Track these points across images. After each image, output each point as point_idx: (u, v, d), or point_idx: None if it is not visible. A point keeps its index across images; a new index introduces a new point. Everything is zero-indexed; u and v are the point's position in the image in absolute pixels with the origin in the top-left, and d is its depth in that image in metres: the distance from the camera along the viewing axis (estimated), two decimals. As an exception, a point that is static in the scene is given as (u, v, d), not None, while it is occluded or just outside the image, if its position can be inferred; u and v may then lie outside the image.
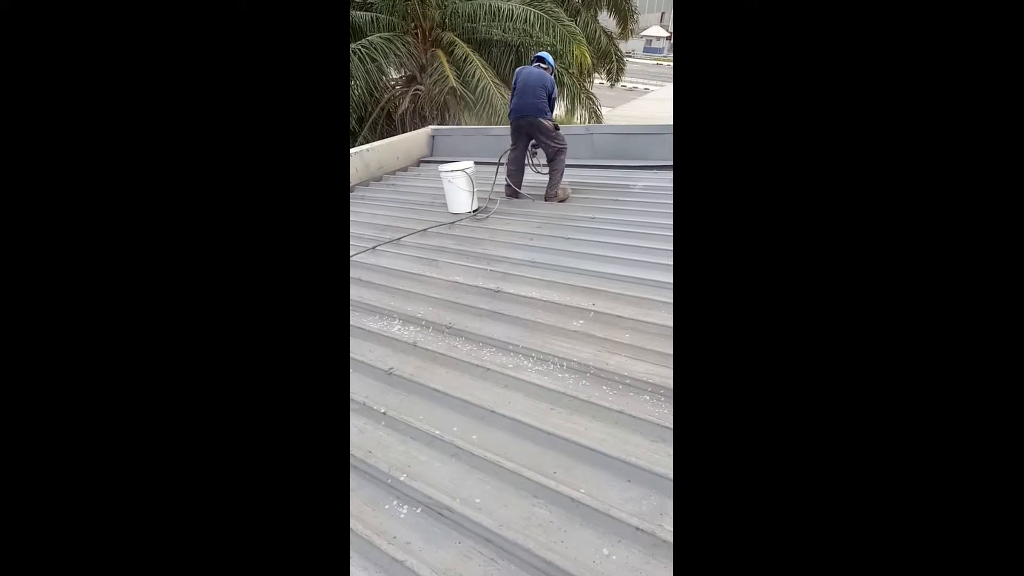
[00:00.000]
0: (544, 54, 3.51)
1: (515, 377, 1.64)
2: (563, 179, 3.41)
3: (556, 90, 3.43)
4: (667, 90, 17.50)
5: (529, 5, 7.41)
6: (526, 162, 3.53)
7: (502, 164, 3.58)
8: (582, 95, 8.49)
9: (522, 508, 1.20)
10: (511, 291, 2.20)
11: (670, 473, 1.24)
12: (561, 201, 3.34)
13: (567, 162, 3.45)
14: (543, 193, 3.43)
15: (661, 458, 1.30)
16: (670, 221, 2.77)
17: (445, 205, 3.43)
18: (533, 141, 3.43)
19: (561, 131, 3.43)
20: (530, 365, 1.72)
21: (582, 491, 1.22)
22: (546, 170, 3.48)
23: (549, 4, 7.72)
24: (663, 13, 36.70)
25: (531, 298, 2.14)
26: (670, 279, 2.12)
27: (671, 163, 3.69)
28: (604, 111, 10.71)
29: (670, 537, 1.08)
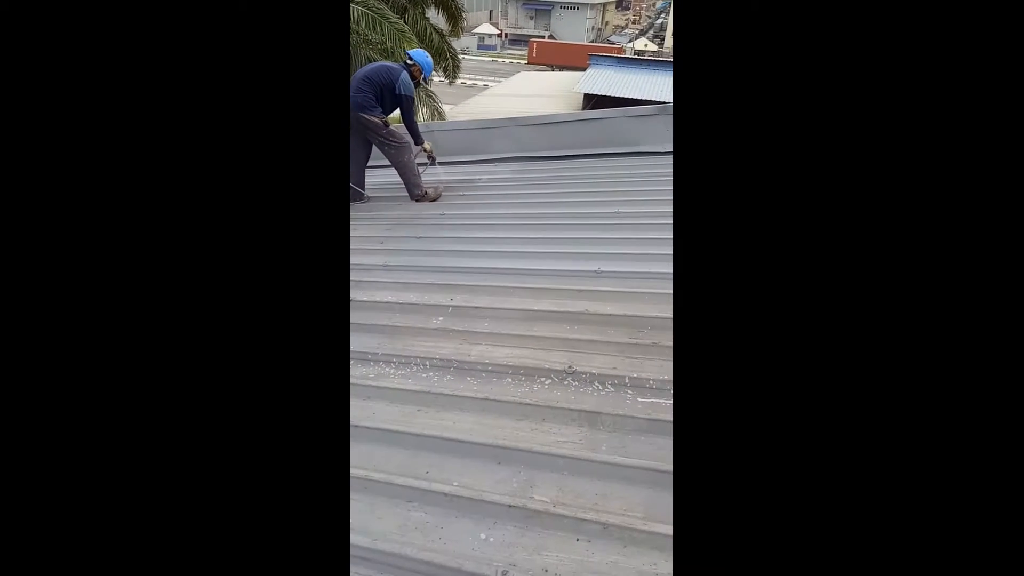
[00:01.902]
0: (414, 51, 3.36)
1: (377, 386, 1.59)
2: (429, 178, 3.35)
3: (407, 88, 3.21)
4: (504, 86, 18.20)
5: (351, 2, 7.14)
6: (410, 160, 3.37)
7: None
8: (421, 93, 8.45)
9: (396, 516, 1.17)
10: (365, 298, 2.12)
11: (536, 447, 1.30)
12: (433, 200, 3.27)
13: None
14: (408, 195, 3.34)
15: (527, 434, 1.36)
16: (517, 211, 2.89)
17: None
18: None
19: (396, 129, 3.36)
20: (392, 371, 1.67)
21: (455, 484, 1.22)
22: (425, 168, 3.38)
23: (373, 1, 7.51)
24: (491, 11, 37.94)
25: (388, 302, 2.08)
26: (524, 265, 2.21)
27: (514, 155, 3.85)
28: (447, 108, 10.79)
29: (540, 507, 1.14)
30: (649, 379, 1.47)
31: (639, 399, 1.43)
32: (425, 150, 3.40)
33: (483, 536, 1.11)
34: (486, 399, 1.48)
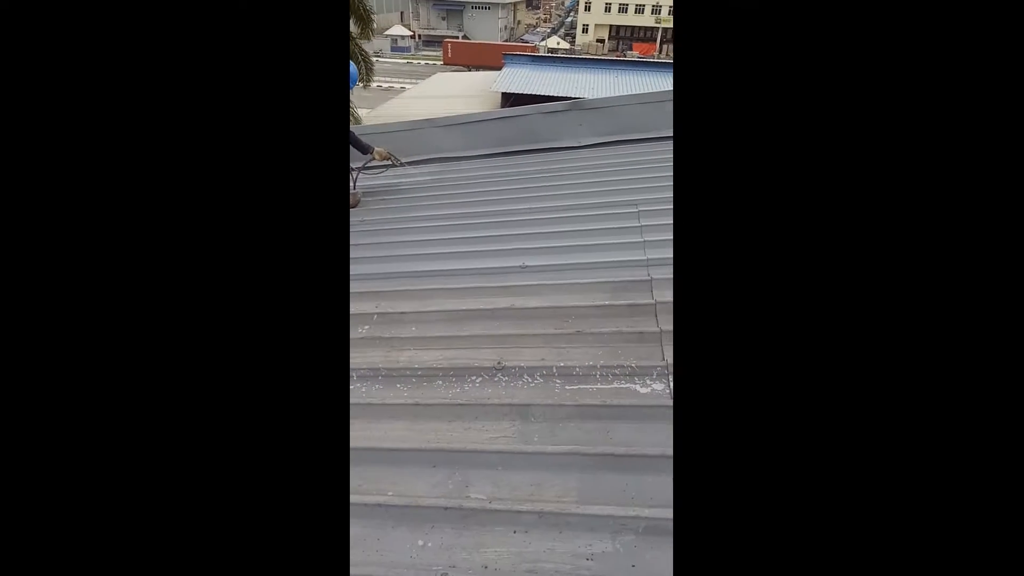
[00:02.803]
0: None
1: (302, 403, 1.52)
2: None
3: None
4: (421, 87, 17.96)
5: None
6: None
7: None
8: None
9: (330, 535, 1.13)
10: (284, 314, 2.02)
11: (470, 446, 1.30)
12: (351, 207, 3.15)
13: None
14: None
15: (459, 435, 1.35)
16: (438, 212, 2.87)
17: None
18: None
19: None
20: (317, 386, 1.61)
21: (390, 493, 1.20)
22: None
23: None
24: (402, 12, 37.28)
25: (309, 316, 2.00)
26: (448, 266, 2.20)
27: (432, 156, 3.81)
28: (363, 112, 10.49)
29: (477, 504, 1.14)
30: (575, 367, 1.52)
31: (567, 387, 1.47)
32: (378, 156, 3.27)
33: (420, 543, 1.09)
34: (416, 404, 1.46)
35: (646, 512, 1.08)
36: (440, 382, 1.56)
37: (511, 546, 1.07)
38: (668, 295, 1.77)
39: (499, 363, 1.57)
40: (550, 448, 1.27)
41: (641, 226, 2.26)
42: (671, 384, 1.41)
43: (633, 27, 30.83)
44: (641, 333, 1.63)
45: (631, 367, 1.49)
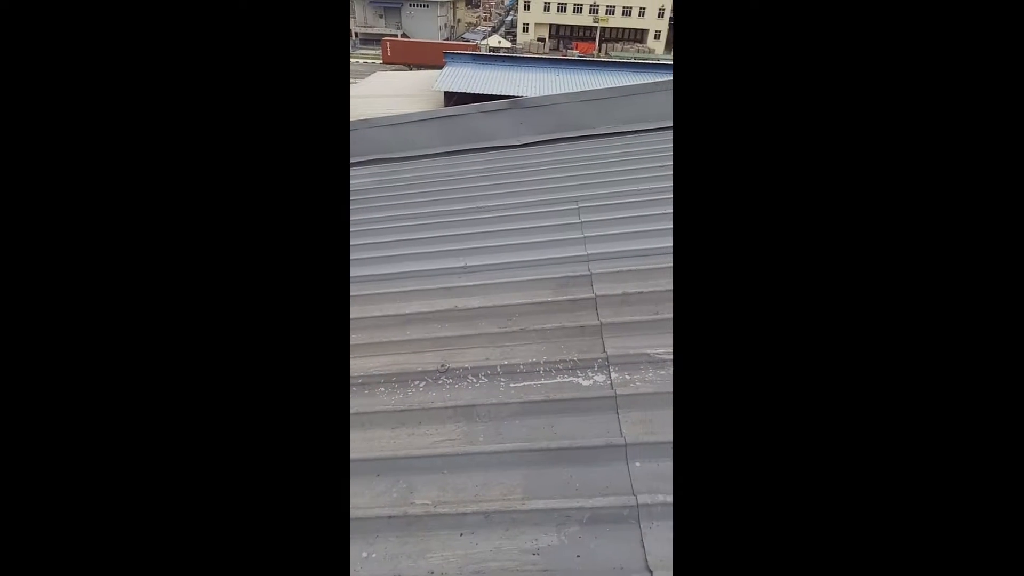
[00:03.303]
0: None
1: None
2: None
3: None
4: (362, 87, 17.51)
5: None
6: None
7: None
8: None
9: (268, 556, 1.09)
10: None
11: (414, 452, 1.28)
12: None
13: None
14: None
15: (404, 441, 1.33)
16: (380, 215, 2.81)
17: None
18: None
19: None
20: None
21: (332, 507, 1.16)
22: None
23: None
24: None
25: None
26: (391, 270, 2.16)
27: (371, 158, 3.72)
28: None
29: (422, 511, 1.12)
30: (519, 364, 1.52)
31: (511, 385, 1.47)
32: None
33: (364, 554, 1.07)
34: (359, 413, 1.42)
35: (590, 502, 1.10)
36: (383, 389, 1.53)
37: (457, 549, 1.06)
38: (607, 288, 1.81)
39: (443, 366, 1.56)
40: (495, 447, 1.27)
41: (581, 222, 2.30)
42: (612, 375, 1.45)
43: (573, 26, 31.33)
44: (583, 327, 1.66)
45: (573, 361, 1.52)
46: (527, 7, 30.57)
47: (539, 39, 30.99)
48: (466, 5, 41.06)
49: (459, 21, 38.81)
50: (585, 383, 1.44)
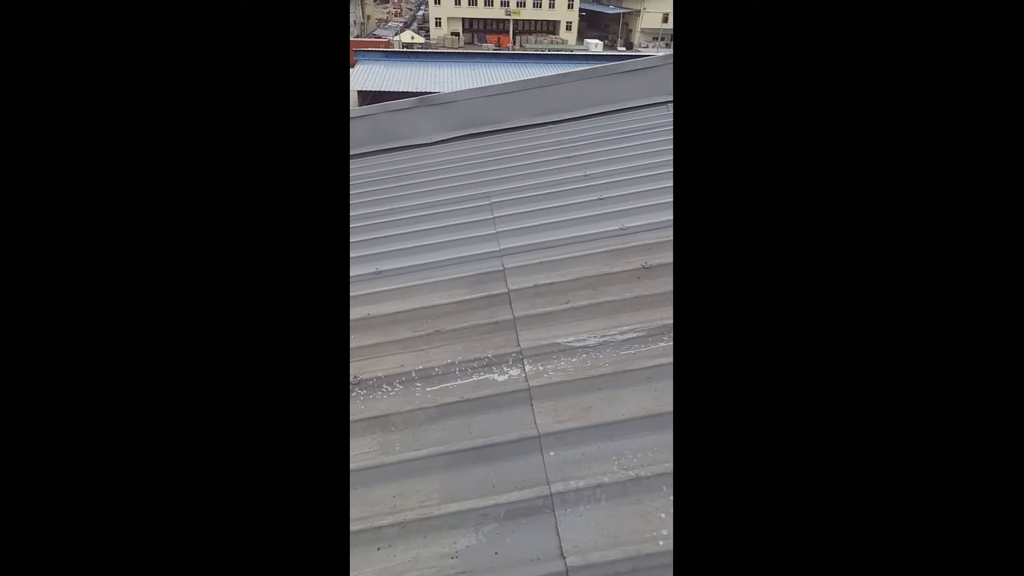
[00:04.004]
0: None
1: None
2: None
3: None
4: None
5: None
6: None
7: None
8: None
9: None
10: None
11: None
12: None
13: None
14: None
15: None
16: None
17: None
18: None
19: None
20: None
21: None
22: None
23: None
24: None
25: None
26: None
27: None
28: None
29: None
30: (435, 367, 1.51)
31: (428, 389, 1.46)
32: None
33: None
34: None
35: (506, 497, 1.11)
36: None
37: (375, 564, 1.04)
38: (520, 282, 1.83)
39: (355, 378, 1.51)
40: (412, 455, 1.25)
41: (494, 217, 2.30)
42: (525, 368, 1.46)
43: (486, 20, 31.30)
44: (497, 323, 1.66)
45: (488, 357, 1.52)
46: (437, 1, 30.16)
47: (453, 33, 30.71)
48: (375, 1, 39.89)
49: (368, 17, 37.64)
50: (500, 379, 1.45)
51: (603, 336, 1.53)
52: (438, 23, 30.76)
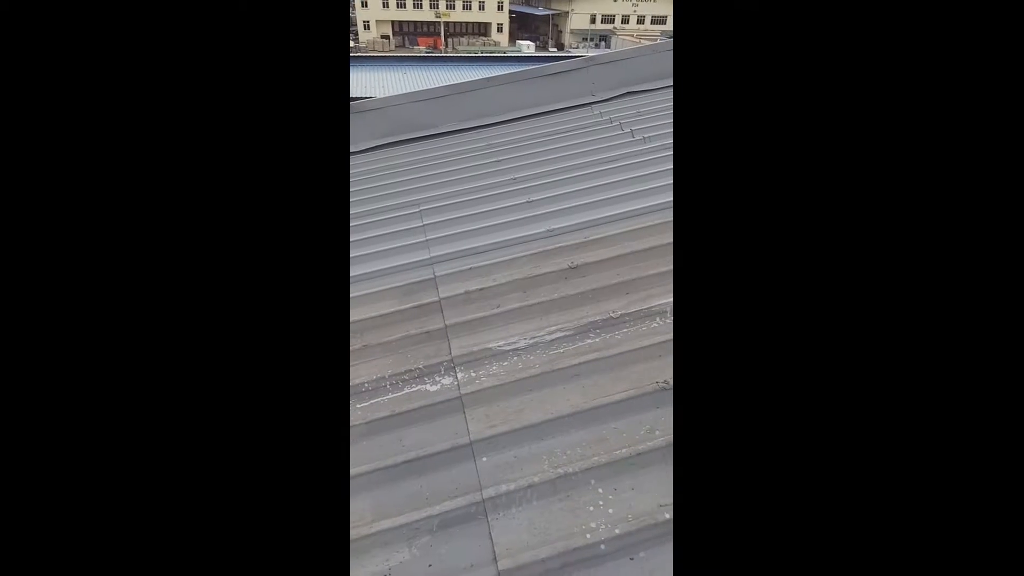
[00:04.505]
0: None
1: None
2: None
3: None
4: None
5: None
6: None
7: None
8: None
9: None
10: None
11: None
12: None
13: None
14: None
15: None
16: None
17: None
18: None
19: None
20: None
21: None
22: None
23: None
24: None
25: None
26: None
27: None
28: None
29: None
30: (364, 383, 1.48)
31: (357, 406, 1.43)
32: None
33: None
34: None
35: (438, 508, 1.11)
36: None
37: (306, 592, 1.01)
38: (451, 289, 1.83)
39: (282, 400, 1.46)
40: (342, 475, 1.22)
41: (424, 225, 2.29)
42: (458, 375, 1.47)
43: (416, 22, 30.94)
44: (428, 332, 1.66)
45: (420, 368, 1.51)
46: (364, 4, 29.53)
47: (383, 36, 30.16)
48: (299, 4, 38.43)
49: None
50: (432, 388, 1.45)
51: (533, 338, 1.56)
52: (367, 26, 30.12)
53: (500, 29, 30.98)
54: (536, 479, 1.12)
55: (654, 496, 1.08)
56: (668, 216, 2.06)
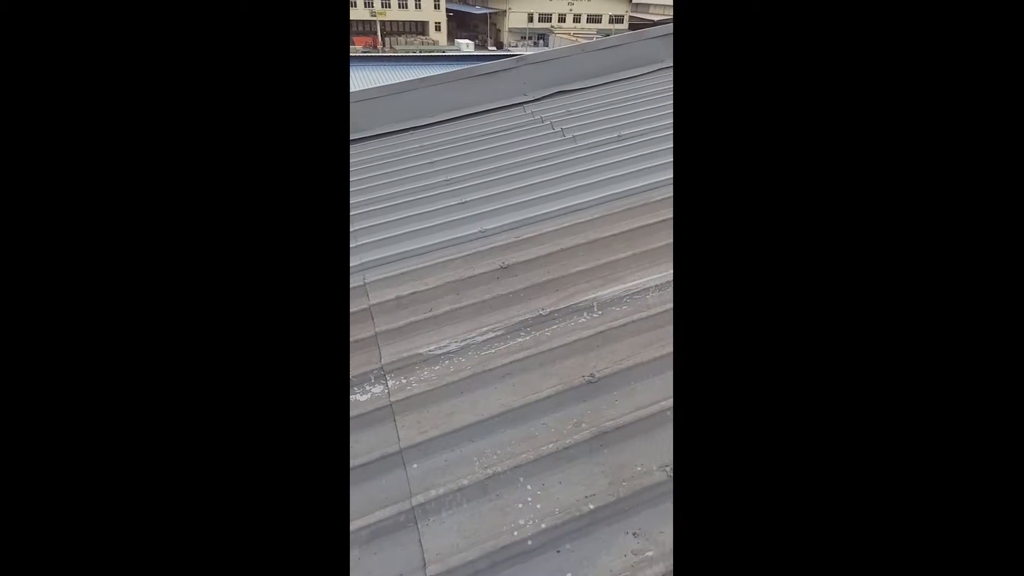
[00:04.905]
0: None
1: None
2: None
3: None
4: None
5: None
6: None
7: None
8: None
9: None
10: None
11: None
12: None
13: None
14: None
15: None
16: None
17: None
18: None
19: None
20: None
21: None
22: None
23: None
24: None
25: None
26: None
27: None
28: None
29: None
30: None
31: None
32: None
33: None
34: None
35: (368, 520, 1.09)
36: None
37: (227, 621, 0.97)
38: (383, 295, 1.81)
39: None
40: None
41: (355, 231, 2.24)
42: (388, 383, 1.45)
43: (352, 21, 30.18)
44: (359, 340, 1.63)
45: (350, 378, 1.48)
46: (296, 2, 28.42)
47: (317, 36, 29.15)
48: (224, 1, 36.61)
49: (219, 19, 34.48)
50: (363, 398, 1.42)
51: (464, 340, 1.56)
52: (299, 25, 29.02)
53: (438, 28, 30.70)
54: (466, 482, 1.13)
55: (581, 488, 1.11)
56: (596, 213, 2.11)
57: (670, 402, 1.25)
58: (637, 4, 32.41)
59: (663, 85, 3.40)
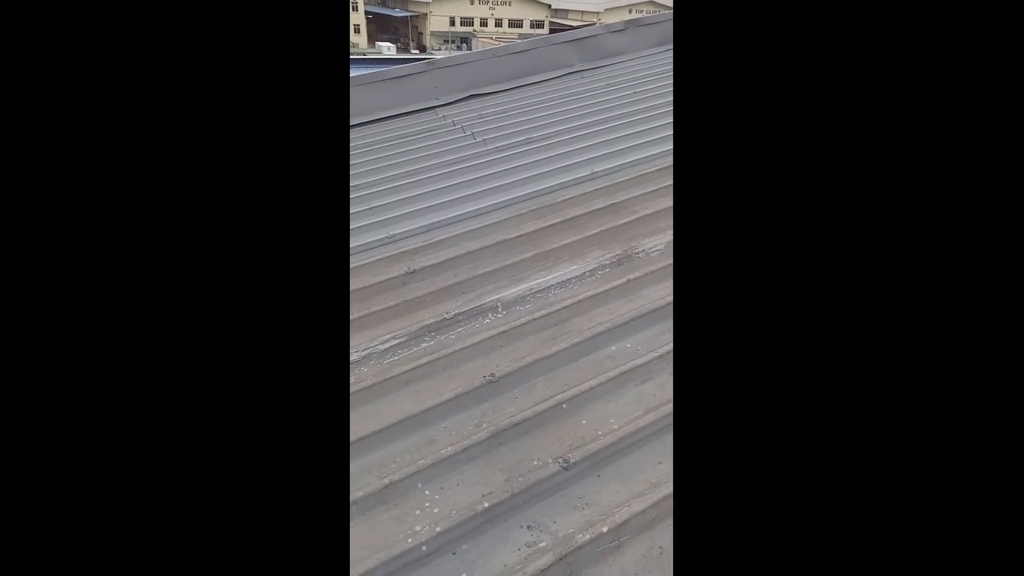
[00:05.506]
0: None
1: None
2: None
3: None
4: None
5: None
6: None
7: None
8: None
9: None
10: None
11: None
12: None
13: None
14: None
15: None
16: None
17: None
18: None
19: None
20: None
21: None
22: None
23: None
24: None
25: None
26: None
27: None
28: None
29: None
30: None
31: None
32: None
33: None
34: None
35: (257, 544, 1.04)
36: None
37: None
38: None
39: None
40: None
41: (255, 241, 2.13)
42: (285, 399, 1.39)
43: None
44: (255, 357, 1.55)
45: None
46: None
47: (226, 37, 27.59)
48: None
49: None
50: (257, 417, 1.36)
51: (366, 349, 1.53)
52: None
53: (358, 30, 29.93)
54: (361, 493, 1.10)
55: (478, 488, 1.11)
56: (503, 215, 2.14)
57: (567, 395, 1.29)
58: (557, 10, 33.24)
59: (571, 88, 3.52)
